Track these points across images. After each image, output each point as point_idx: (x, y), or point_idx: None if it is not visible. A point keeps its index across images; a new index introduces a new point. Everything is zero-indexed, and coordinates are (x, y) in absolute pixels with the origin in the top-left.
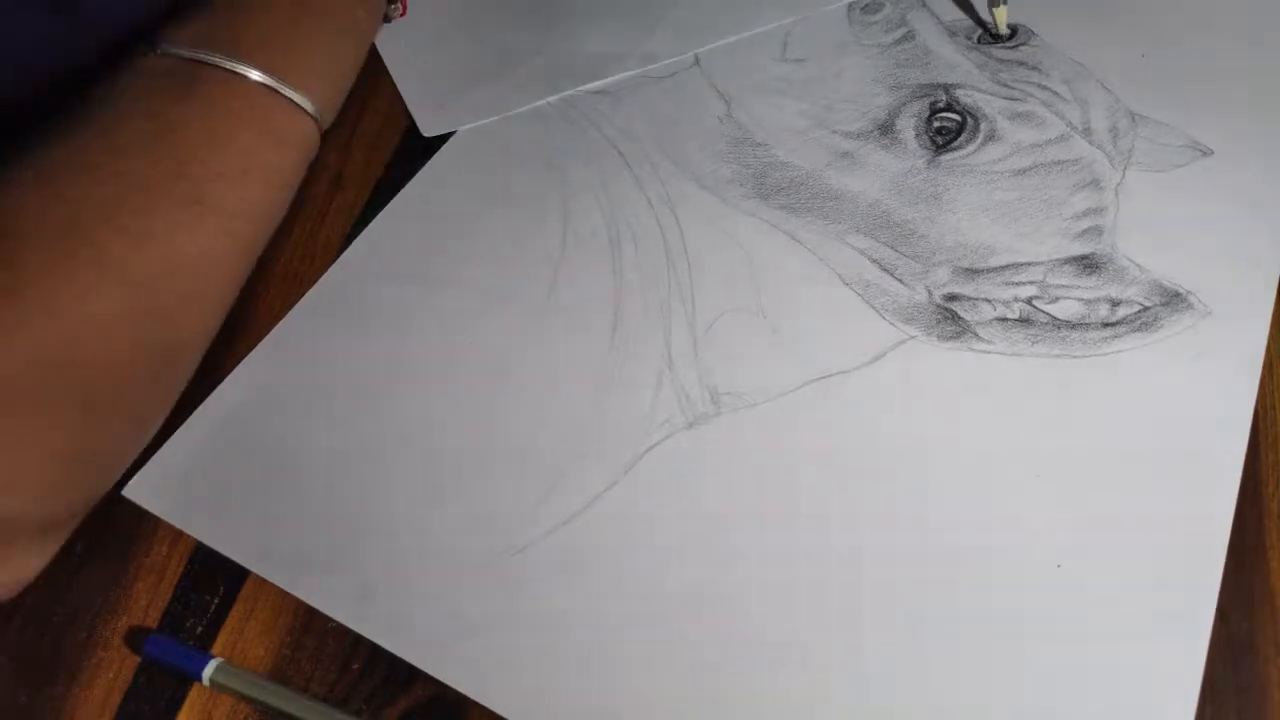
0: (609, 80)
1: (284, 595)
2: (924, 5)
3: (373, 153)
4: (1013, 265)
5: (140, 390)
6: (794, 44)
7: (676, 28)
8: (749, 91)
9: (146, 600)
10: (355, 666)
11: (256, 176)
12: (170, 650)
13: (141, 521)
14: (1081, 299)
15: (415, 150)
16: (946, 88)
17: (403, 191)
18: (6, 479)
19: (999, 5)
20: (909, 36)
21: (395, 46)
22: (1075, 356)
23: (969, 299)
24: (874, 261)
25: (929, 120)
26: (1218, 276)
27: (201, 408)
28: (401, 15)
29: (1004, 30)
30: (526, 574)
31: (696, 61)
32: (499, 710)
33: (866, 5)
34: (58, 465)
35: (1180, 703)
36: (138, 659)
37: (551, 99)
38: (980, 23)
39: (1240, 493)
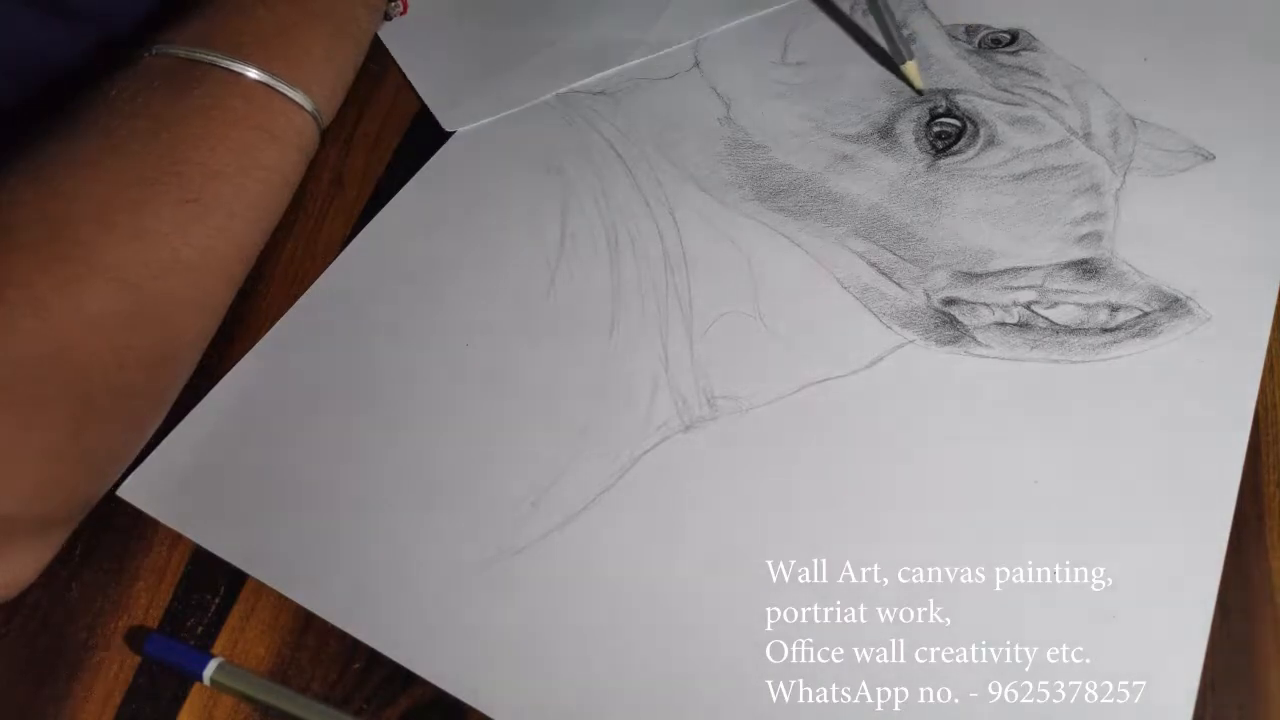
0: (613, 73)
1: (285, 595)
2: (925, 9)
3: (373, 153)
4: (1011, 270)
5: (136, 391)
6: (794, 47)
7: (685, 12)
8: (749, 94)
9: (147, 600)
10: (356, 666)
11: (255, 175)
12: (170, 650)
13: (142, 522)
14: (1081, 304)
15: (415, 150)
16: (946, 93)
17: (402, 191)
18: (1, 480)
19: (907, 61)
20: (910, 40)
21: (407, 44)
22: (1074, 362)
23: (967, 303)
24: (872, 265)
25: (929, 125)
26: (1218, 282)
27: (198, 408)
28: (402, 13)
29: (921, 86)
30: (522, 577)
31: (696, 63)
32: (493, 715)
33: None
34: (53, 465)
35: (1180, 703)
36: (138, 659)
37: (548, 97)
38: (976, 26)
39: (1240, 492)
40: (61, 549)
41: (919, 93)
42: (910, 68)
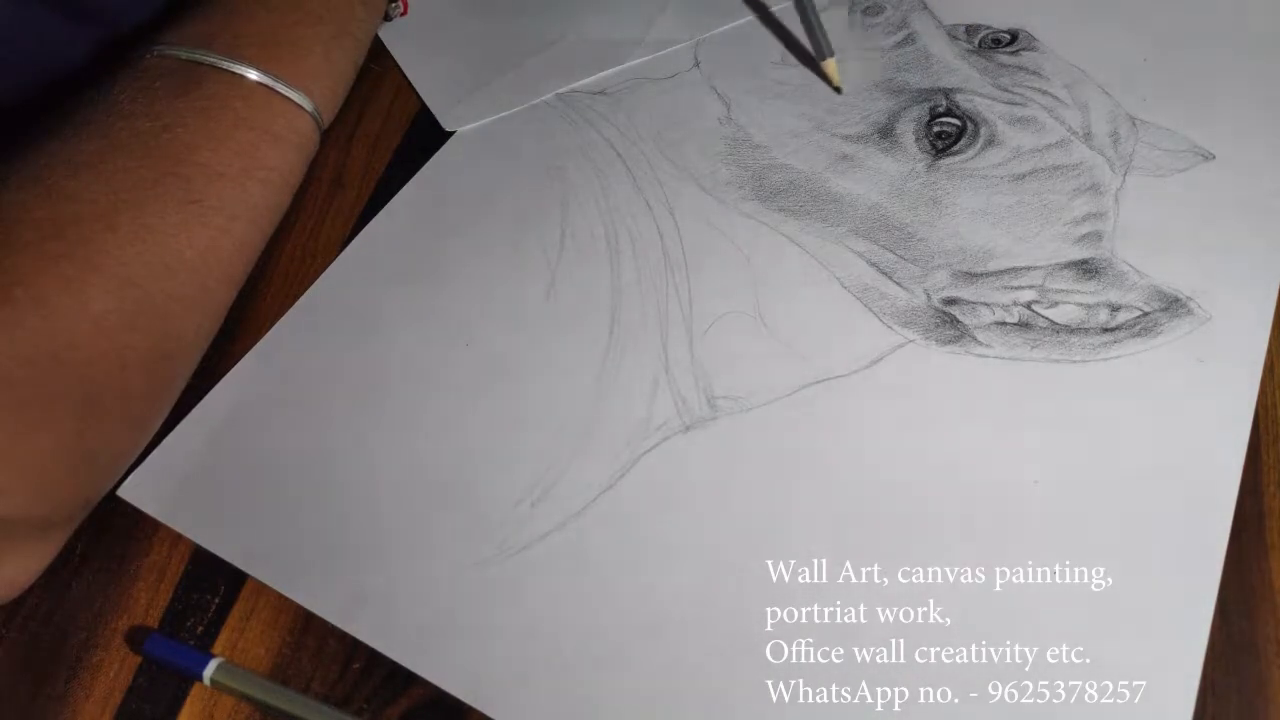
0: (613, 73)
1: (285, 595)
2: (925, 8)
3: (373, 153)
4: (1012, 269)
5: (138, 390)
6: (794, 47)
7: (685, 12)
8: (749, 93)
9: (147, 600)
10: (356, 666)
11: (256, 176)
12: (170, 650)
13: (142, 521)
14: (1081, 304)
15: (415, 150)
16: (947, 92)
17: (402, 191)
18: (3, 480)
19: (826, 59)
20: (910, 40)
21: (407, 44)
22: (1075, 361)
23: (968, 303)
24: (873, 265)
25: (929, 124)
26: (1218, 281)
27: (198, 408)
28: (403, 14)
29: (839, 85)
30: (522, 577)
31: (696, 63)
32: (493, 715)
33: (868, 8)
34: (55, 466)
35: (1180, 703)
36: (138, 659)
37: (548, 97)
38: (977, 25)
39: (1240, 492)
40: (61, 549)
41: (837, 90)
42: (829, 65)
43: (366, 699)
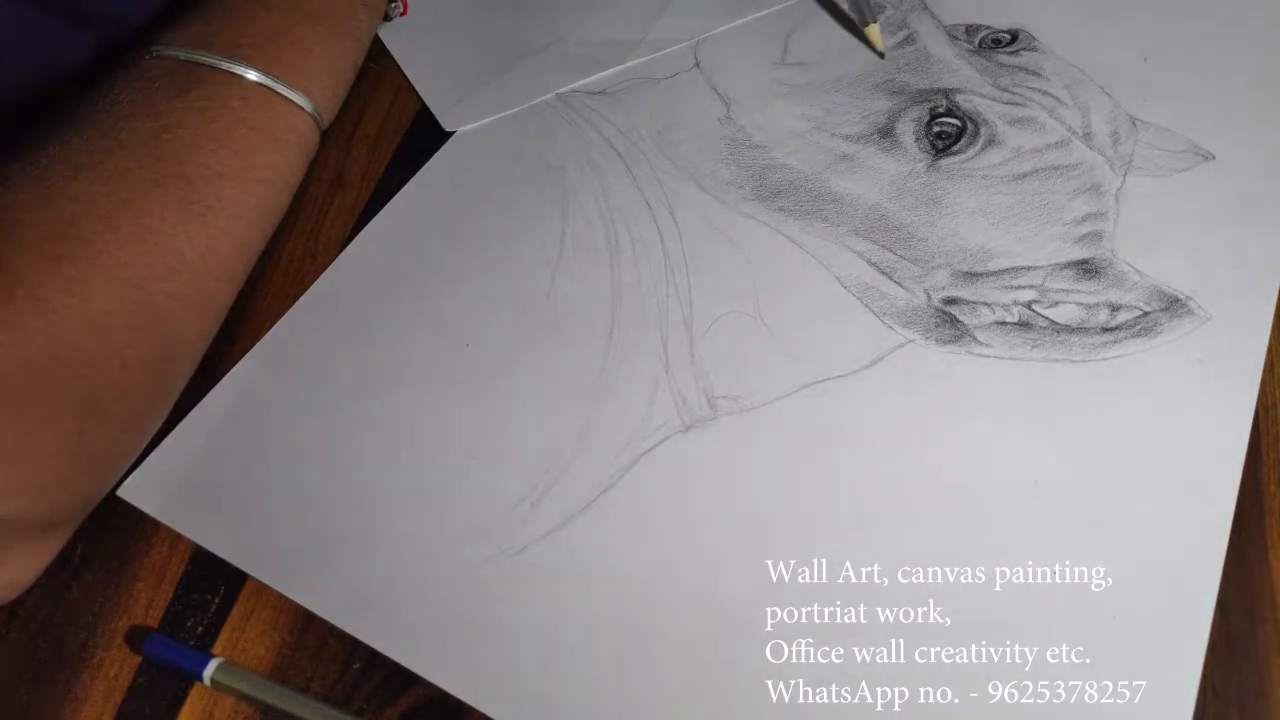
0: (613, 73)
1: (285, 595)
2: (925, 8)
3: (373, 153)
4: (1012, 269)
5: (138, 391)
6: (794, 47)
7: (685, 12)
8: (749, 94)
9: (147, 600)
10: (356, 666)
11: (255, 176)
12: (171, 650)
13: (142, 522)
14: (1081, 304)
15: (415, 150)
16: (947, 92)
17: (402, 192)
18: (4, 480)
19: (870, 24)
20: (910, 40)
21: (407, 44)
22: (1075, 361)
23: (968, 302)
24: (873, 265)
25: (929, 125)
26: (1218, 282)
27: (198, 408)
28: (402, 14)
29: (882, 49)
30: (522, 577)
31: (696, 63)
32: (493, 715)
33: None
34: (55, 466)
35: (1180, 703)
36: (138, 659)
37: (548, 97)
38: (977, 26)
39: (1240, 492)
40: (61, 549)
41: (880, 55)
42: (872, 30)
43: (366, 699)
